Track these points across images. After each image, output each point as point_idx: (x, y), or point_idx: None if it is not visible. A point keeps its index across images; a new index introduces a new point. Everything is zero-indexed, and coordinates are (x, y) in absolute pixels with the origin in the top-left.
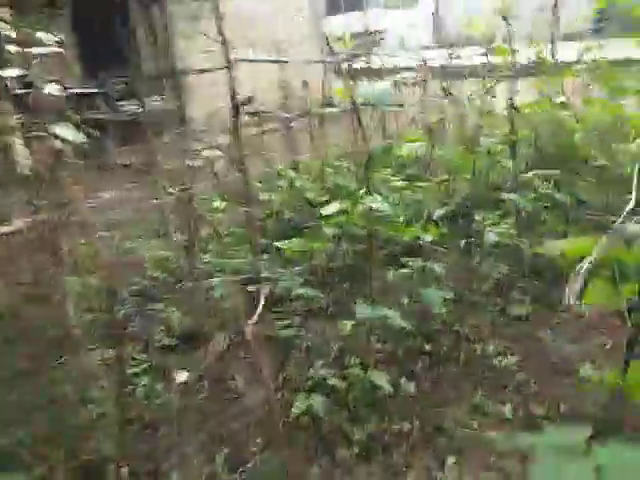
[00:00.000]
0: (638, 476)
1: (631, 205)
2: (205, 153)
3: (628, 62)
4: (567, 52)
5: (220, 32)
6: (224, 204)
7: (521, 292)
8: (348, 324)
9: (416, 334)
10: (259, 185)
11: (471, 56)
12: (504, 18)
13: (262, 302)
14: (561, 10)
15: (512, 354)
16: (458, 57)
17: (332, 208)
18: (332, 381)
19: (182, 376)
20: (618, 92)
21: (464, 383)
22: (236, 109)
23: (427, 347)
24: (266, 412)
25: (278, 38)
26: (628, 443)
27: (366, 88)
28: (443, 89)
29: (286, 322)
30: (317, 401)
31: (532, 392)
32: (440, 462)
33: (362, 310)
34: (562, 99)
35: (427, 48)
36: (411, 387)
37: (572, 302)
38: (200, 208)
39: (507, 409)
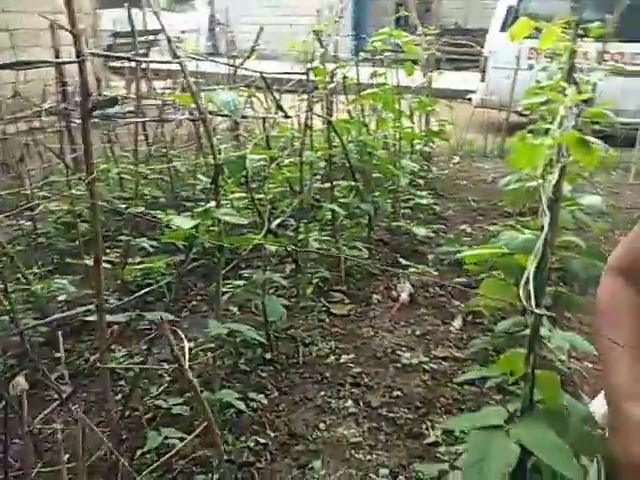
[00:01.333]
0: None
1: None
2: None
3: (403, 88)
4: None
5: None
6: None
7: (340, 293)
8: (189, 344)
9: (257, 344)
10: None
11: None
12: (319, 39)
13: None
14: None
15: (343, 351)
16: (282, 73)
17: (184, 223)
18: (177, 409)
19: None
20: (398, 114)
21: (307, 386)
22: (87, 112)
23: (268, 356)
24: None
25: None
26: (541, 419)
27: (218, 97)
28: (276, 103)
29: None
30: (169, 433)
31: (366, 384)
32: (301, 469)
33: (215, 327)
34: (361, 118)
35: (210, 55)
36: (260, 399)
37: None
38: None
39: (349, 403)
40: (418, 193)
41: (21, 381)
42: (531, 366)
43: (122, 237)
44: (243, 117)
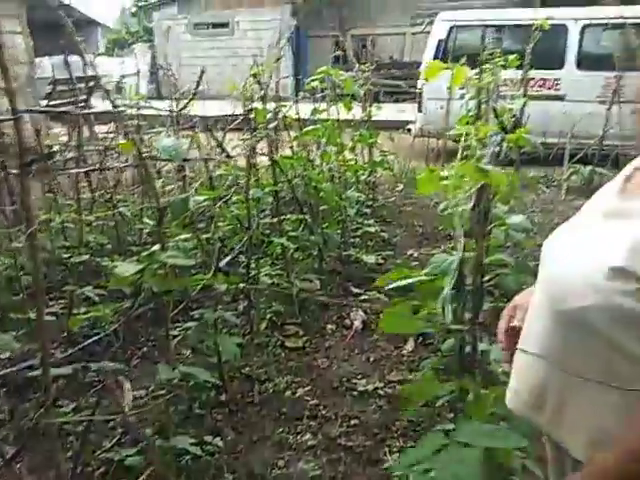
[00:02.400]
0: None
1: None
2: None
3: (344, 123)
4: (305, 111)
5: None
6: None
7: (294, 326)
8: (139, 392)
9: (211, 387)
10: None
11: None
12: (258, 82)
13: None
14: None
15: (299, 384)
16: (224, 115)
17: (127, 269)
18: (130, 460)
19: None
20: (341, 147)
21: (264, 424)
22: (24, 166)
23: (222, 397)
24: None
25: None
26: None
27: (160, 142)
28: (218, 143)
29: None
30: None
31: (324, 415)
32: None
33: (166, 372)
34: (305, 154)
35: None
36: (216, 442)
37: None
38: None
39: (308, 437)
40: (366, 222)
41: None
42: (456, 380)
43: (67, 287)
44: (185, 160)
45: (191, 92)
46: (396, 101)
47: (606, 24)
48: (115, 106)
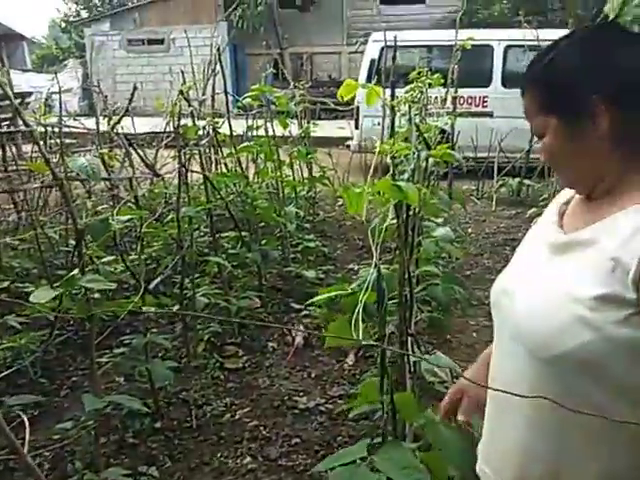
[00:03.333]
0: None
1: None
2: None
3: (281, 139)
4: (234, 129)
5: None
6: None
7: (234, 346)
8: (66, 425)
9: (145, 414)
10: None
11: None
12: (185, 98)
13: None
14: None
15: (239, 406)
16: (150, 133)
17: (44, 294)
18: None
19: None
20: (278, 164)
21: (203, 450)
22: None
23: (157, 425)
24: None
25: None
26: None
27: (75, 163)
28: (144, 161)
29: None
30: None
31: (264, 436)
32: None
33: (92, 402)
34: (239, 170)
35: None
36: (152, 471)
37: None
38: None
39: (248, 460)
40: (306, 237)
41: None
42: (385, 392)
43: None
44: (105, 179)
45: (123, 109)
46: (335, 118)
47: (525, 45)
48: (27, 125)
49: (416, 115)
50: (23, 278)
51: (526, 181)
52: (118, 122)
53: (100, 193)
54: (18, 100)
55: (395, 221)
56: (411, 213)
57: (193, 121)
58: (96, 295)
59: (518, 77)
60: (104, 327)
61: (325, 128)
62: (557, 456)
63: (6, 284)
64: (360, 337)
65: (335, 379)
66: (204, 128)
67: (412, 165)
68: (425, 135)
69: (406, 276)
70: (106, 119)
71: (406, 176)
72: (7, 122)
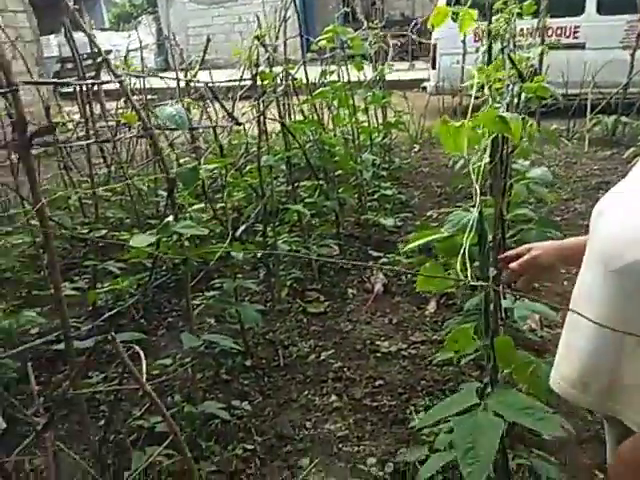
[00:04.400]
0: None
1: None
2: None
3: (355, 84)
4: (314, 74)
5: None
6: None
7: (315, 292)
8: (165, 361)
9: (236, 353)
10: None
11: (234, 80)
12: (263, 45)
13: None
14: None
15: (323, 348)
16: (228, 81)
17: (143, 240)
18: (161, 426)
19: None
20: (353, 110)
21: (290, 387)
22: (26, 142)
23: (248, 363)
24: None
25: None
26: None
27: (163, 112)
28: (226, 111)
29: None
30: (154, 452)
31: (349, 377)
32: (291, 470)
33: (189, 340)
34: (316, 117)
35: (162, 70)
36: (244, 406)
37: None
38: None
39: (333, 399)
40: (383, 185)
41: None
42: (489, 338)
43: (89, 262)
44: (192, 129)
45: (197, 62)
46: (410, 59)
47: None
48: (117, 76)
49: (505, 47)
50: (117, 227)
51: (623, 118)
52: (195, 75)
53: (180, 146)
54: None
55: (487, 161)
56: (504, 153)
57: (270, 67)
58: (186, 243)
59: (616, 2)
60: (196, 272)
61: (399, 70)
62: (618, 364)
63: (103, 232)
64: (468, 278)
65: (416, 325)
66: (279, 75)
67: (507, 99)
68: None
69: (500, 219)
70: (183, 73)
71: (502, 111)
72: (91, 80)
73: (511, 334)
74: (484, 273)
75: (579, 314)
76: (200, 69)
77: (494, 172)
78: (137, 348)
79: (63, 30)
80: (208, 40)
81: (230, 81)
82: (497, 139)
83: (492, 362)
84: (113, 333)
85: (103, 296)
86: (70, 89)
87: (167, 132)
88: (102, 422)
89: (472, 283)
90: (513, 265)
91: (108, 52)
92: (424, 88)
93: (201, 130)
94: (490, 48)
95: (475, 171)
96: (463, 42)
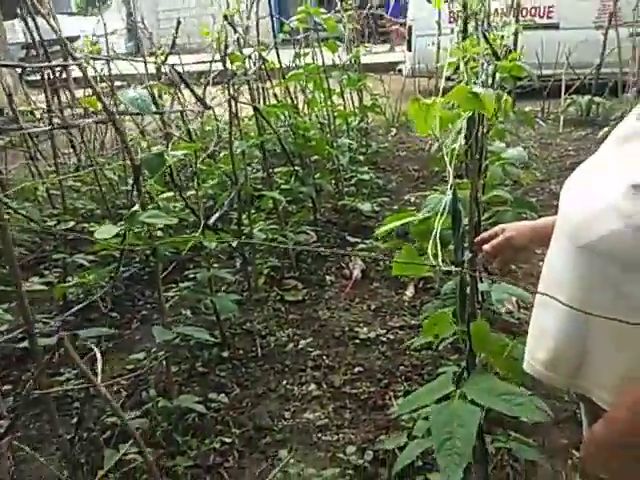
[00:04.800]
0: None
1: None
2: None
3: (330, 67)
4: (287, 57)
5: None
6: None
7: (293, 280)
8: (139, 355)
9: (212, 345)
10: None
11: (203, 62)
12: (230, 24)
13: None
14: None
15: (301, 337)
16: (195, 62)
17: (107, 230)
18: (135, 422)
19: None
20: (328, 93)
21: (268, 377)
22: None
23: (225, 354)
24: None
25: None
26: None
27: (125, 95)
28: (195, 95)
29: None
30: (127, 449)
31: (327, 365)
32: (270, 461)
33: (161, 334)
34: (289, 101)
35: (132, 56)
36: (221, 398)
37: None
38: None
39: (312, 387)
40: (360, 169)
41: None
42: (466, 323)
43: (58, 256)
44: (157, 113)
45: (167, 47)
46: (385, 41)
47: None
48: (74, 59)
49: (480, 26)
50: (87, 219)
51: (597, 99)
52: (165, 59)
53: (152, 133)
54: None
55: (462, 143)
56: (479, 133)
57: (239, 49)
58: (159, 233)
59: None
60: (168, 262)
61: (375, 52)
62: (586, 343)
63: (71, 224)
64: (439, 262)
65: (395, 310)
66: (250, 57)
67: (482, 77)
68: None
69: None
70: (152, 57)
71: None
72: (59, 68)
73: (488, 317)
74: (459, 257)
75: (549, 296)
76: (171, 53)
77: (469, 153)
78: (95, 349)
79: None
80: (178, 23)
81: (197, 63)
82: (472, 119)
83: (468, 347)
84: (82, 328)
85: (74, 290)
86: (37, 77)
87: (137, 119)
88: (74, 420)
89: (444, 268)
90: (487, 247)
91: (75, 38)
92: (400, 71)
93: (172, 116)
94: (465, 26)
95: (449, 153)
96: (438, 23)
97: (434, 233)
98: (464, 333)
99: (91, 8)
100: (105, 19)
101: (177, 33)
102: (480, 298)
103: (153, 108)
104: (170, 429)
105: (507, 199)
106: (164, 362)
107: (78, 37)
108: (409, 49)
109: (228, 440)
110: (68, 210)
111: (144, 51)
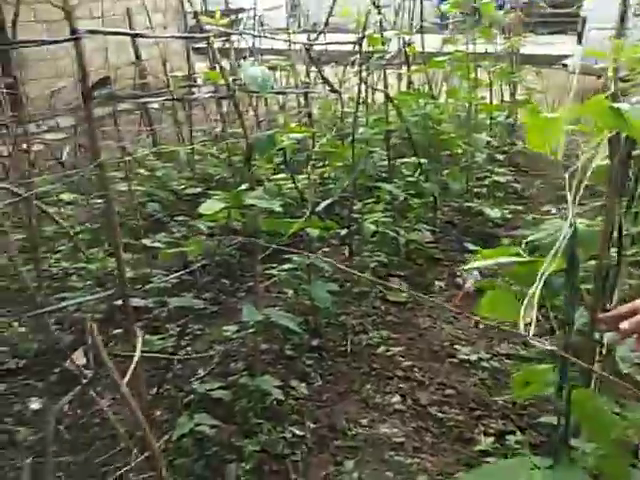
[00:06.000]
0: None
1: None
2: (48, 137)
3: (481, 56)
4: (428, 43)
5: None
6: (73, 196)
7: (399, 279)
8: (231, 329)
9: (304, 330)
10: (114, 174)
11: (339, 43)
12: (376, 6)
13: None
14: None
15: (396, 342)
16: (327, 43)
17: (212, 206)
18: (216, 393)
19: (35, 404)
20: (474, 83)
21: (353, 377)
22: (88, 92)
23: (315, 343)
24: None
25: (128, 10)
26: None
27: (246, 72)
28: (322, 77)
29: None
30: (202, 419)
31: (417, 379)
32: (337, 467)
33: (250, 313)
34: (427, 90)
35: (288, 31)
36: (302, 388)
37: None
38: (43, 201)
39: (396, 399)
40: (497, 170)
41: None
42: (564, 399)
43: (180, 219)
44: (277, 92)
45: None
46: (553, 33)
47: None
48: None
49: None
50: (218, 185)
51: None
52: (317, 37)
53: (293, 109)
54: (232, 17)
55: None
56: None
57: (380, 31)
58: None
59: None
60: (280, 241)
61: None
62: None
63: (199, 189)
64: (530, 329)
65: (505, 335)
66: (390, 40)
67: None
68: None
69: (614, 235)
70: (305, 34)
71: (634, 100)
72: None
73: (612, 374)
74: (569, 316)
75: None
76: (322, 32)
77: (611, 174)
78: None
79: None
80: (334, 1)
81: (333, 43)
82: (619, 135)
83: (564, 427)
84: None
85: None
86: (203, 44)
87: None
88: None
89: (537, 343)
90: (624, 325)
91: (242, 10)
92: (565, 65)
93: (315, 95)
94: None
95: (579, 174)
96: (622, 15)
97: (535, 285)
98: (560, 397)
99: None
100: None
101: (332, 12)
102: (602, 350)
103: (273, 87)
104: (249, 407)
105: None
106: (255, 339)
107: (244, 9)
108: (579, 42)
109: (300, 433)
110: (199, 175)
111: (301, 27)
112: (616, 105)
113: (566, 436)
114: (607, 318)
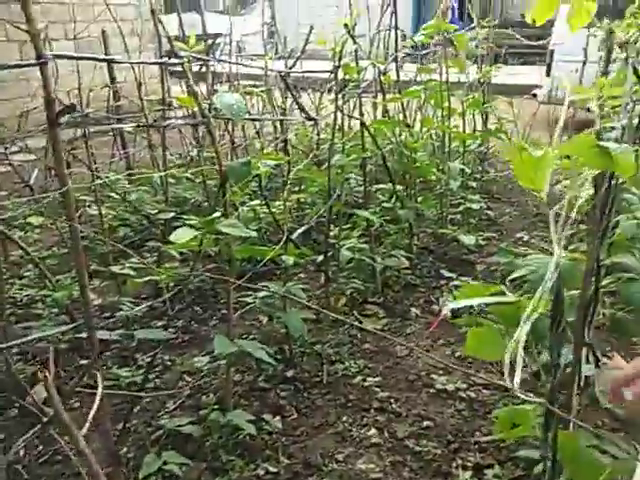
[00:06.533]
0: None
1: None
2: (16, 158)
3: (454, 85)
4: (403, 72)
5: (29, 19)
6: (41, 219)
7: (375, 306)
8: (203, 360)
9: (278, 360)
10: (85, 198)
11: (315, 70)
12: (351, 36)
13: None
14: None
15: (372, 371)
16: (304, 71)
17: (183, 234)
18: (186, 428)
19: None
20: (447, 112)
21: (329, 409)
22: (54, 117)
23: (289, 373)
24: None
25: (103, 32)
26: None
27: (221, 99)
28: (298, 104)
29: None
30: (170, 457)
31: (394, 411)
32: None
33: (221, 345)
34: (401, 118)
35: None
36: (276, 422)
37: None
38: (10, 224)
39: (373, 432)
40: (470, 197)
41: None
42: (550, 444)
43: (152, 244)
44: (250, 119)
45: (297, 52)
46: (523, 63)
47: None
48: (206, 60)
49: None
50: (192, 210)
51: None
52: (294, 64)
53: (269, 134)
54: (210, 41)
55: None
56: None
57: (356, 60)
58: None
59: None
60: (255, 268)
61: (508, 74)
62: None
63: (171, 214)
64: (514, 382)
65: (483, 364)
66: (365, 69)
67: (623, 120)
68: None
69: (594, 270)
70: (282, 60)
71: (613, 135)
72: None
73: (592, 406)
74: (554, 358)
75: None
76: (299, 58)
77: (595, 211)
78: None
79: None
80: (311, 28)
81: (309, 72)
82: (603, 173)
83: (550, 469)
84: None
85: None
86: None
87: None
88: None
89: (521, 394)
90: (628, 394)
91: (218, 35)
92: (534, 95)
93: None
94: (609, 55)
95: (564, 215)
96: (585, 49)
97: (520, 329)
98: (545, 441)
99: (239, 8)
100: (251, 20)
101: (309, 39)
102: (581, 383)
103: (247, 115)
104: (220, 443)
105: (633, 268)
106: (227, 370)
107: (220, 34)
108: (547, 74)
109: (273, 470)
110: (173, 199)
111: (271, 54)
112: (603, 144)
113: (553, 465)
114: (615, 381)
